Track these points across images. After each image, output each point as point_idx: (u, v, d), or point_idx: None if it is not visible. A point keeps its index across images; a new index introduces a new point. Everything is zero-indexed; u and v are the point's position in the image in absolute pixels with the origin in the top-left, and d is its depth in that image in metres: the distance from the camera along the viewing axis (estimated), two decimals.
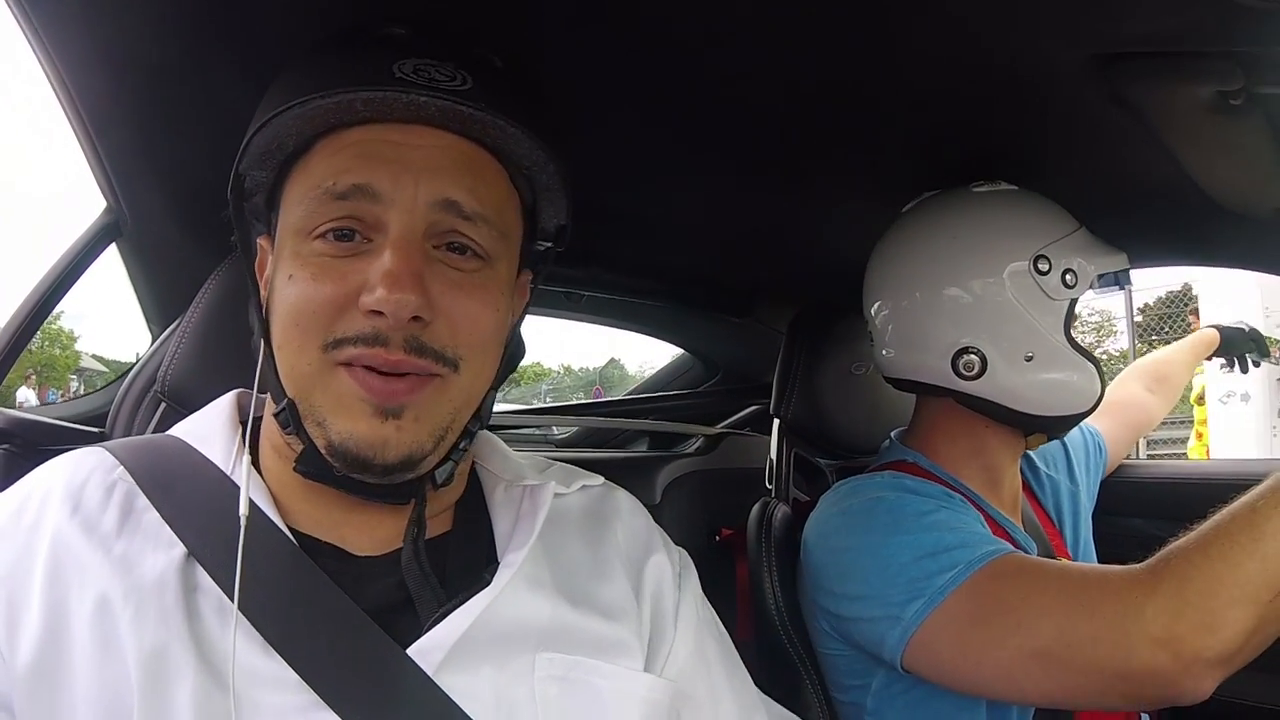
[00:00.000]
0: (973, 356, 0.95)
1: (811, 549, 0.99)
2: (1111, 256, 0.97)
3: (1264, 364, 1.61)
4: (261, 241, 0.64)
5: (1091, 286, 0.97)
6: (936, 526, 0.88)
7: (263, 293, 0.61)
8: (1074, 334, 0.96)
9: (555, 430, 2.17)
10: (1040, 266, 0.94)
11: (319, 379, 0.56)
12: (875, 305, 1.06)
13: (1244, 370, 1.62)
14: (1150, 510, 1.45)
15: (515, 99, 0.59)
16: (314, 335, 0.55)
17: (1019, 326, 0.94)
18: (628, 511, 0.73)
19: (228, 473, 0.60)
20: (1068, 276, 0.94)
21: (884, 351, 1.05)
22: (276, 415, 0.59)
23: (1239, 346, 1.57)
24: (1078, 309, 0.98)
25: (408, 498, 0.59)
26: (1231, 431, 5.52)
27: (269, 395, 0.61)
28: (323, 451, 0.56)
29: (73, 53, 0.72)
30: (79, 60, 0.73)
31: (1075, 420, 0.99)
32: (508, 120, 0.57)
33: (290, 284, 0.56)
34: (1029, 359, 0.94)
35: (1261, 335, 1.59)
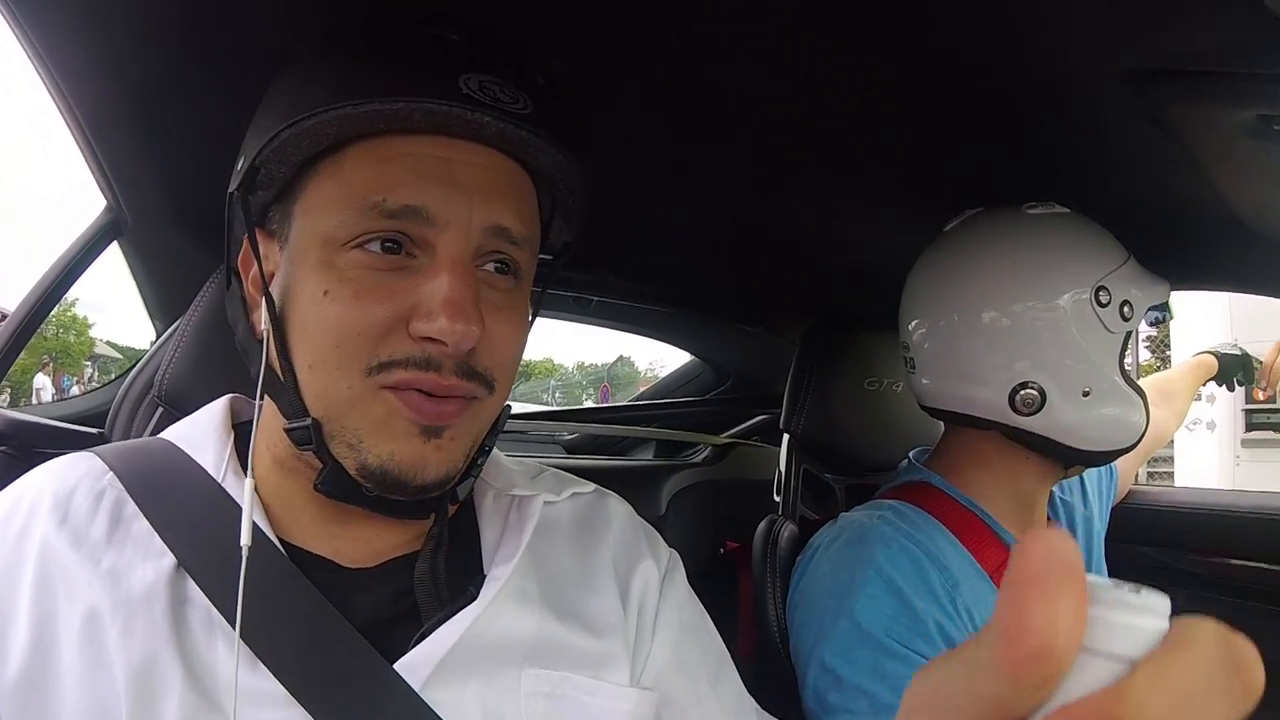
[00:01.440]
0: (1032, 392, 0.91)
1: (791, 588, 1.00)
2: (1159, 286, 0.94)
3: (1230, 394, 1.63)
4: (259, 236, 0.60)
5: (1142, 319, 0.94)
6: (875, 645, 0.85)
7: (275, 299, 0.57)
8: (1126, 366, 0.93)
9: (561, 433, 2.16)
10: (1101, 298, 0.89)
11: (359, 402, 0.54)
12: (913, 324, 1.01)
13: (1231, 389, 1.62)
14: (1163, 539, 1.43)
15: (564, 123, 0.58)
16: (357, 358, 0.53)
17: (1079, 361, 0.90)
18: (618, 519, 0.71)
19: (219, 480, 0.58)
20: (1125, 309, 0.90)
21: (924, 381, 1.01)
22: (290, 431, 0.56)
23: (1233, 371, 1.57)
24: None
25: (429, 512, 0.59)
26: (1197, 460, 5.50)
27: (275, 408, 0.58)
28: (352, 473, 0.55)
29: (68, 61, 0.71)
30: (74, 68, 0.72)
31: (1121, 453, 0.95)
32: (557, 148, 0.57)
33: (327, 301, 0.53)
34: (1086, 394, 0.91)
35: (1250, 359, 1.58)
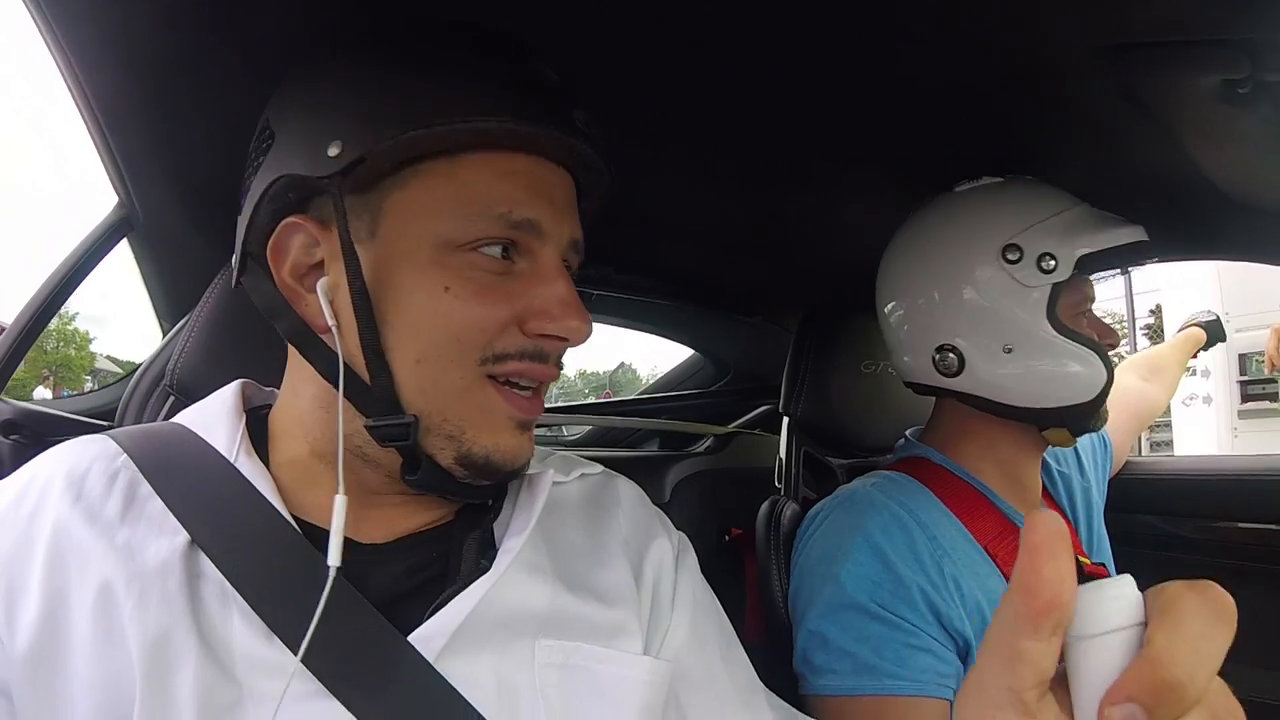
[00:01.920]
0: (949, 354, 0.95)
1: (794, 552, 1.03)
2: (1105, 233, 0.92)
3: (1225, 368, 1.67)
4: (304, 222, 0.58)
5: (1085, 269, 0.92)
6: (862, 611, 0.88)
7: (372, 296, 0.56)
8: (1065, 320, 0.93)
9: (566, 431, 2.17)
10: (1009, 256, 0.91)
11: (467, 394, 0.57)
12: (887, 307, 1.06)
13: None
14: (1163, 507, 1.44)
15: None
16: (474, 350, 0.57)
17: (993, 319, 0.93)
18: (628, 499, 0.73)
19: (231, 460, 0.60)
20: (1045, 261, 0.91)
21: (904, 358, 1.05)
22: (376, 428, 0.57)
23: (1218, 337, 1.61)
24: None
25: (500, 488, 0.65)
26: (1194, 434, 5.56)
27: (321, 400, 0.59)
28: (447, 464, 0.58)
29: (84, 47, 0.72)
30: (90, 55, 0.73)
31: (1086, 410, 0.95)
32: (611, 173, 0.64)
33: (449, 297, 0.56)
34: (1008, 351, 0.93)
35: (1220, 321, 1.64)
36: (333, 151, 0.54)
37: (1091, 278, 0.97)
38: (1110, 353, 0.96)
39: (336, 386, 0.57)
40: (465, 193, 0.56)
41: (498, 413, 0.58)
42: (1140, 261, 0.97)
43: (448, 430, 0.57)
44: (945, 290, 0.96)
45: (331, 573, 0.53)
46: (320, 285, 0.58)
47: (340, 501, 0.55)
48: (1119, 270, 1.05)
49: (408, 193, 0.57)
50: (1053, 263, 0.91)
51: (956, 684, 0.86)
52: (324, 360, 0.58)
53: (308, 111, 0.58)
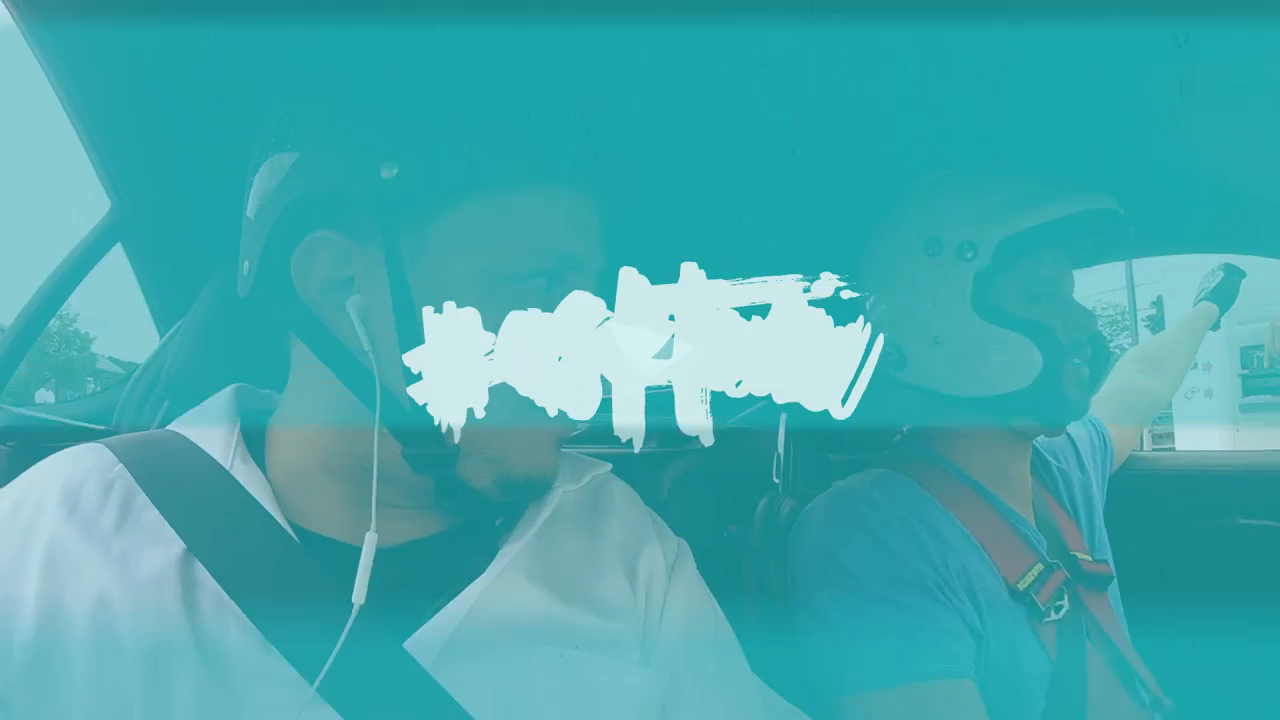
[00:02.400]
0: (890, 349, 0.96)
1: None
2: (1032, 211, 0.89)
3: (1227, 361, 1.58)
4: (334, 236, 0.56)
5: (1015, 250, 0.89)
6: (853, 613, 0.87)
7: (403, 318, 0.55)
8: (1010, 306, 0.91)
9: None
10: (930, 250, 0.91)
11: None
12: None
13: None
14: (1166, 504, 1.43)
15: None
16: None
17: (920, 312, 0.93)
18: (623, 504, 0.72)
19: (226, 467, 0.59)
20: (965, 250, 0.90)
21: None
22: (411, 458, 0.57)
23: (1234, 294, 1.52)
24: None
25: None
26: (1197, 428, 5.56)
27: (375, 432, 0.57)
28: (483, 485, 0.58)
29: (68, 52, 0.72)
30: (73, 58, 0.73)
31: (1036, 397, 0.91)
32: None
33: None
34: (937, 342, 0.93)
35: (1232, 267, 1.53)
36: (387, 174, 0.53)
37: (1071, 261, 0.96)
38: (1088, 333, 0.93)
39: (373, 410, 0.55)
40: (517, 225, 0.57)
41: (545, 437, 0.60)
42: (1116, 243, 0.95)
43: (489, 454, 0.57)
44: (882, 287, 0.96)
45: (354, 610, 0.53)
46: (352, 305, 0.56)
47: (371, 539, 0.55)
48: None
49: (457, 219, 0.56)
50: (972, 251, 0.90)
51: (974, 667, 0.85)
52: (358, 382, 0.57)
53: (350, 124, 0.56)
